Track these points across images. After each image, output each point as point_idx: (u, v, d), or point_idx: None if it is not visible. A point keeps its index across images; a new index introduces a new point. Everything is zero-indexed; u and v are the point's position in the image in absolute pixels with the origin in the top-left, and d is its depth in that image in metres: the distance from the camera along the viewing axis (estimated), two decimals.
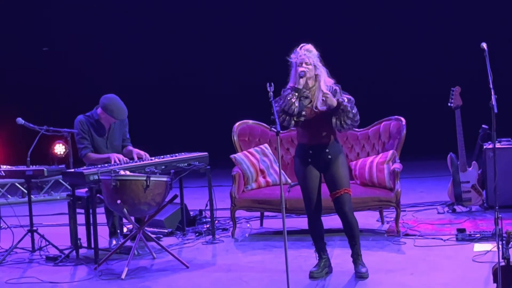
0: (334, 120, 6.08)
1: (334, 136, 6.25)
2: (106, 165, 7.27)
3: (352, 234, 6.26)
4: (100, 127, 7.65)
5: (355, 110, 6.10)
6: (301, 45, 6.25)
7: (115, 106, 7.57)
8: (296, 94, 6.08)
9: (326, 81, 6.16)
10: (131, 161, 7.46)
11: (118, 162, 7.36)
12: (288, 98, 6.07)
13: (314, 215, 6.28)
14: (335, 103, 6.05)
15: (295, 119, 6.12)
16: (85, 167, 7.30)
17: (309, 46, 6.23)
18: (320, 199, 6.27)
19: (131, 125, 7.94)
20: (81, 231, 7.57)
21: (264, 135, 8.42)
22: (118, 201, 6.62)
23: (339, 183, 6.19)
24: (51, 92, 13.62)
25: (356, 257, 6.26)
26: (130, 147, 7.82)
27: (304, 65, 6.11)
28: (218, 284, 6.24)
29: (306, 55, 6.13)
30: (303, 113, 6.11)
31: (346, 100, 6.07)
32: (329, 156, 6.19)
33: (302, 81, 6.08)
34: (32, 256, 7.40)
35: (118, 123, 7.75)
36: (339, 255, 6.77)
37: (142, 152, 7.67)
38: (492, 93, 5.52)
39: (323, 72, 6.17)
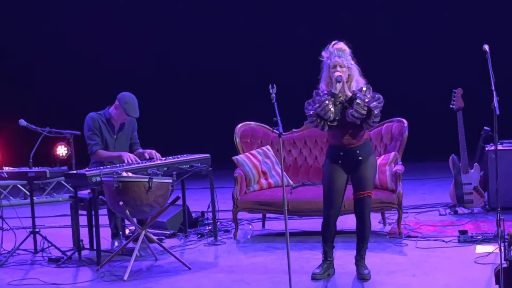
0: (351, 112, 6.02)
1: (365, 137, 6.21)
2: (108, 166, 7.28)
3: (363, 237, 6.27)
4: (111, 127, 7.66)
5: (377, 111, 6.04)
6: (333, 42, 6.15)
7: (131, 100, 7.57)
8: (333, 99, 6.04)
9: (358, 81, 6.12)
10: (142, 161, 7.47)
11: (130, 161, 7.37)
12: (325, 104, 6.01)
13: (331, 217, 6.22)
14: (349, 94, 6.03)
15: (329, 123, 6.10)
16: (87, 169, 7.30)
17: (342, 45, 6.14)
18: (341, 203, 6.23)
19: None
20: (83, 233, 7.57)
21: (266, 137, 8.43)
22: (121, 203, 6.62)
23: (364, 185, 6.18)
24: (54, 94, 13.63)
25: (359, 259, 6.27)
26: (141, 150, 7.82)
27: (338, 68, 6.04)
28: (220, 286, 6.25)
29: (340, 57, 6.06)
30: (337, 117, 6.08)
31: (366, 98, 6.01)
32: (360, 157, 6.16)
33: (339, 86, 6.01)
34: (35, 257, 7.40)
35: (127, 126, 7.76)
36: (341, 256, 6.77)
37: (153, 152, 7.68)
38: (494, 94, 5.52)
39: (355, 72, 6.12)
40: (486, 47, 5.75)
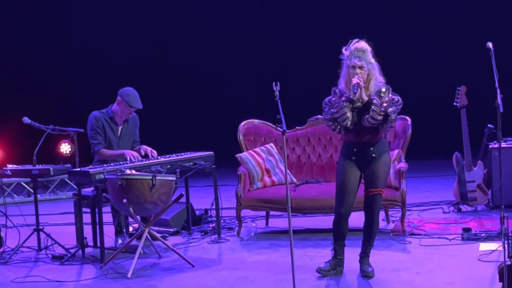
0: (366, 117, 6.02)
1: (379, 135, 6.17)
2: (112, 164, 7.29)
3: (370, 235, 6.25)
4: (114, 125, 7.67)
5: (394, 115, 6.03)
6: (354, 41, 6.12)
7: (132, 93, 7.61)
8: (351, 105, 6.03)
9: (377, 79, 6.09)
10: (144, 159, 7.47)
11: (133, 159, 7.38)
12: (344, 112, 6.01)
13: (343, 215, 6.19)
14: (365, 98, 6.02)
15: (343, 124, 6.10)
16: (91, 166, 7.31)
17: (363, 44, 6.10)
18: (353, 201, 6.19)
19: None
20: (87, 230, 7.58)
21: (270, 134, 8.43)
22: (124, 200, 6.63)
23: (376, 182, 6.16)
24: (57, 92, 13.64)
25: (364, 256, 6.26)
26: (137, 146, 7.84)
27: (357, 70, 6.00)
28: (224, 283, 6.25)
29: (360, 59, 6.02)
30: (354, 121, 6.06)
31: (380, 104, 6.00)
32: (373, 155, 6.15)
33: (357, 94, 6.00)
34: (38, 255, 7.41)
35: (131, 124, 7.77)
36: (344, 253, 6.76)
37: (149, 149, 7.68)
38: (498, 92, 5.52)
39: (376, 70, 6.09)
40: (490, 44, 5.74)
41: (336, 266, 6.29)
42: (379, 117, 6.00)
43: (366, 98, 6.03)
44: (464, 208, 8.59)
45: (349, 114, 6.03)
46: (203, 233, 8.00)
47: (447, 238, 7.25)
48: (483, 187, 8.51)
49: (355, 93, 5.97)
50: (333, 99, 6.13)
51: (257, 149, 8.21)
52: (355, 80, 5.98)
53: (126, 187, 6.62)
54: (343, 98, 6.07)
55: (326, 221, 7.67)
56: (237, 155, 8.08)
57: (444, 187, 9.90)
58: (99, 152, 7.59)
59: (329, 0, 13.52)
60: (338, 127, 6.12)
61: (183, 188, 7.93)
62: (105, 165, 7.25)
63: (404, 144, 7.91)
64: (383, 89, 6.07)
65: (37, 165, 7.41)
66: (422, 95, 13.06)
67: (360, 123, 6.07)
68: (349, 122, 6.04)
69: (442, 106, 10.61)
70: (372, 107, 5.98)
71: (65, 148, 11.17)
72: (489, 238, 7.08)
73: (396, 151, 7.77)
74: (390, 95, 6.07)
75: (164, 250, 7.21)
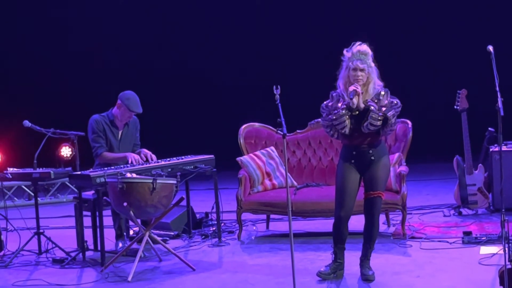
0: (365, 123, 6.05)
1: (378, 138, 6.19)
2: (113, 167, 7.29)
3: (370, 238, 6.26)
4: (115, 128, 7.67)
5: (394, 119, 6.05)
6: (357, 43, 6.15)
7: (133, 97, 7.59)
8: (349, 113, 6.06)
9: (376, 83, 6.12)
10: (146, 162, 7.47)
11: (135, 162, 7.38)
12: (343, 120, 6.04)
13: (343, 218, 6.19)
14: (362, 106, 6.04)
15: (341, 132, 6.13)
16: (91, 170, 7.31)
17: (365, 47, 6.14)
18: (353, 204, 6.20)
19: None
20: (88, 234, 7.58)
21: (270, 138, 8.43)
22: (125, 204, 6.63)
23: (375, 185, 6.17)
24: (58, 95, 13.65)
25: (364, 259, 6.27)
26: (138, 150, 7.84)
27: (359, 72, 6.03)
28: (225, 287, 6.25)
29: (362, 61, 6.05)
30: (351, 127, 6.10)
31: (378, 108, 6.02)
32: (372, 158, 6.17)
33: (355, 100, 6.02)
34: (39, 258, 7.41)
35: (131, 127, 7.77)
36: (345, 257, 6.75)
37: (149, 153, 7.67)
38: (499, 95, 5.53)
39: (374, 74, 6.12)
40: (491, 48, 5.75)
41: (336, 269, 6.29)
42: (378, 123, 6.02)
43: (362, 106, 6.05)
44: (464, 211, 8.58)
45: (347, 122, 6.05)
46: (203, 237, 7.99)
47: (448, 242, 7.25)
48: (483, 191, 8.50)
49: (351, 98, 5.99)
50: (330, 103, 6.15)
51: (257, 153, 8.21)
52: (352, 87, 6.01)
53: (126, 191, 6.63)
54: (340, 104, 6.09)
55: (327, 224, 7.67)
56: (238, 159, 8.09)
57: (445, 191, 9.90)
58: (101, 156, 7.58)
59: (330, 3, 13.52)
60: (336, 133, 6.16)
61: (184, 192, 7.93)
62: (105, 168, 7.25)
63: (405, 147, 7.91)
64: (382, 92, 6.10)
65: (37, 169, 7.41)
66: (423, 98, 13.06)
67: (359, 127, 6.08)
68: (347, 130, 6.08)
69: (442, 110, 10.61)
70: (370, 113, 6.00)
71: (65, 151, 11.16)
72: (489, 241, 7.08)
73: (396, 155, 7.77)
74: (389, 98, 6.09)
75: (165, 253, 7.22)
